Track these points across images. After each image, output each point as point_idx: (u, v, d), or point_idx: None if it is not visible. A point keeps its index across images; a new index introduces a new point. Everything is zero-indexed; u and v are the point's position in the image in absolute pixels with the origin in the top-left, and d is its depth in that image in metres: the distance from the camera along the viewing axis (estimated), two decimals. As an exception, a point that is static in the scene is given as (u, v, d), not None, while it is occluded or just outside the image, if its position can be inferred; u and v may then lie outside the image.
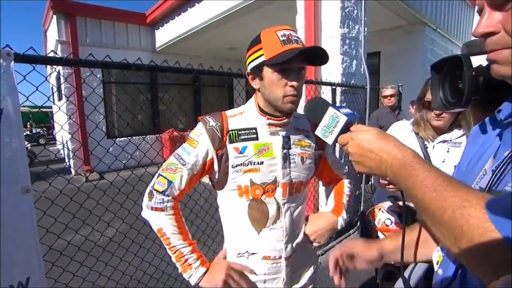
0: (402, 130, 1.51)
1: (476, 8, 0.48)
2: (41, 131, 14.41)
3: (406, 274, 0.91)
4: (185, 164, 0.89)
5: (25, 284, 1.05)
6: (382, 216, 1.16)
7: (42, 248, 1.15)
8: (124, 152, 2.40)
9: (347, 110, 0.65)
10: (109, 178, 1.97)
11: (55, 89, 7.69)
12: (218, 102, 9.29)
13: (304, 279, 1.04)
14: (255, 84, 0.91)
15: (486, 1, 0.45)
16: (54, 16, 6.25)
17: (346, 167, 1.10)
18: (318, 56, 0.86)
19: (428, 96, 1.33)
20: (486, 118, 0.63)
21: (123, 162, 1.94)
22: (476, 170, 0.55)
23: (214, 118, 0.91)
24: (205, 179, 1.01)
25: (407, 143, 1.57)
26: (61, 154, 9.02)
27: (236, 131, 0.91)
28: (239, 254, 0.96)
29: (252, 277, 0.96)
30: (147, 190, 0.92)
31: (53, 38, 6.70)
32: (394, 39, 5.65)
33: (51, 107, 13.19)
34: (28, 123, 14.42)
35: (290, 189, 0.94)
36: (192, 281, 0.89)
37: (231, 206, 0.95)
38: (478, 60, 0.64)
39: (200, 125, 0.92)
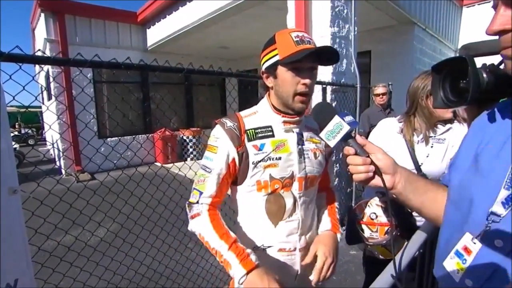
0: (389, 127, 1.54)
1: (492, 3, 0.50)
2: (30, 132, 14.14)
3: (391, 267, 0.93)
4: (210, 171, 0.93)
5: (13, 286, 1.05)
6: (368, 210, 1.20)
7: (31, 249, 1.14)
8: (116, 152, 2.38)
9: (350, 118, 0.72)
10: (100, 178, 1.96)
11: (44, 88, 7.56)
12: (209, 100, 9.27)
13: None
14: (269, 82, 0.96)
15: None
16: (42, 14, 6.14)
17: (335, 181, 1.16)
18: (329, 56, 0.91)
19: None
20: (484, 114, 0.64)
21: (114, 162, 1.94)
22: (498, 168, 0.53)
23: (230, 119, 0.96)
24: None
25: (393, 140, 1.60)
26: (51, 154, 8.88)
27: (253, 130, 0.95)
28: (255, 247, 0.98)
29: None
30: (186, 204, 0.97)
31: (41, 36, 6.58)
32: (385, 38, 5.72)
33: (40, 107, 12.95)
34: (17, 123, 14.14)
35: (305, 183, 0.98)
36: (237, 281, 0.80)
37: (248, 200, 0.98)
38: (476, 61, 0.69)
39: (218, 128, 0.96)
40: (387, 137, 1.50)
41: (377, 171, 0.69)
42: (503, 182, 0.51)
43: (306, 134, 1.01)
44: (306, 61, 0.86)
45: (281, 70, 0.90)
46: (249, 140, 0.93)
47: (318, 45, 0.89)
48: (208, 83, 9.01)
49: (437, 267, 0.64)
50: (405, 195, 0.71)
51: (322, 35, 3.13)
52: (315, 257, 0.95)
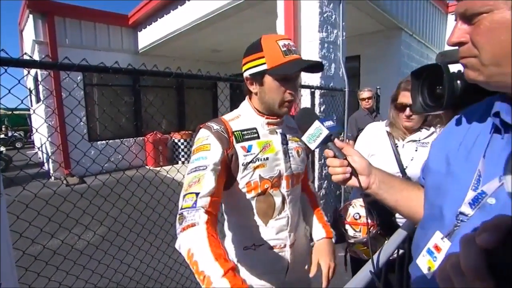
0: (376, 131, 1.58)
1: (454, 16, 0.55)
2: (18, 134, 13.84)
3: (369, 264, 0.97)
4: (205, 168, 0.84)
5: (-3, 290, 1.04)
6: (352, 211, 1.24)
7: (16, 254, 1.14)
8: (105, 156, 2.37)
9: (331, 123, 0.77)
10: (90, 182, 1.94)
11: (32, 91, 7.44)
12: (201, 103, 9.25)
13: (304, 268, 1.13)
14: (253, 88, 0.97)
15: (457, 13, 0.51)
16: (30, 16, 6.05)
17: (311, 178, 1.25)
18: (314, 65, 0.94)
19: (401, 99, 1.41)
20: (454, 119, 0.67)
21: (102, 165, 1.93)
22: (467, 170, 0.56)
23: (216, 123, 0.95)
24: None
25: (380, 143, 1.64)
26: (39, 158, 8.71)
27: (239, 132, 0.96)
28: (245, 247, 1.00)
29: (259, 268, 1.00)
30: (177, 216, 0.78)
31: (29, 38, 6.48)
32: (373, 43, 5.83)
33: (29, 109, 12.67)
34: (4, 126, 13.82)
35: (292, 180, 1.02)
36: None
37: (238, 202, 0.99)
38: (452, 68, 0.73)
39: (204, 131, 0.94)
40: (374, 141, 1.55)
41: (354, 172, 0.74)
42: (471, 184, 0.54)
43: (288, 134, 1.05)
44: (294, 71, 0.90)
45: (268, 79, 0.92)
46: (237, 141, 0.94)
47: (307, 49, 0.92)
48: (199, 86, 9.01)
49: (412, 264, 0.68)
50: (380, 194, 0.76)
51: (310, 40, 3.19)
52: (319, 265, 1.01)
